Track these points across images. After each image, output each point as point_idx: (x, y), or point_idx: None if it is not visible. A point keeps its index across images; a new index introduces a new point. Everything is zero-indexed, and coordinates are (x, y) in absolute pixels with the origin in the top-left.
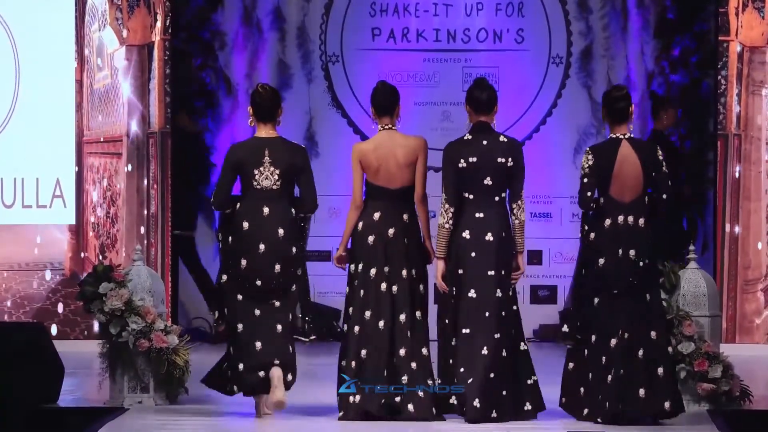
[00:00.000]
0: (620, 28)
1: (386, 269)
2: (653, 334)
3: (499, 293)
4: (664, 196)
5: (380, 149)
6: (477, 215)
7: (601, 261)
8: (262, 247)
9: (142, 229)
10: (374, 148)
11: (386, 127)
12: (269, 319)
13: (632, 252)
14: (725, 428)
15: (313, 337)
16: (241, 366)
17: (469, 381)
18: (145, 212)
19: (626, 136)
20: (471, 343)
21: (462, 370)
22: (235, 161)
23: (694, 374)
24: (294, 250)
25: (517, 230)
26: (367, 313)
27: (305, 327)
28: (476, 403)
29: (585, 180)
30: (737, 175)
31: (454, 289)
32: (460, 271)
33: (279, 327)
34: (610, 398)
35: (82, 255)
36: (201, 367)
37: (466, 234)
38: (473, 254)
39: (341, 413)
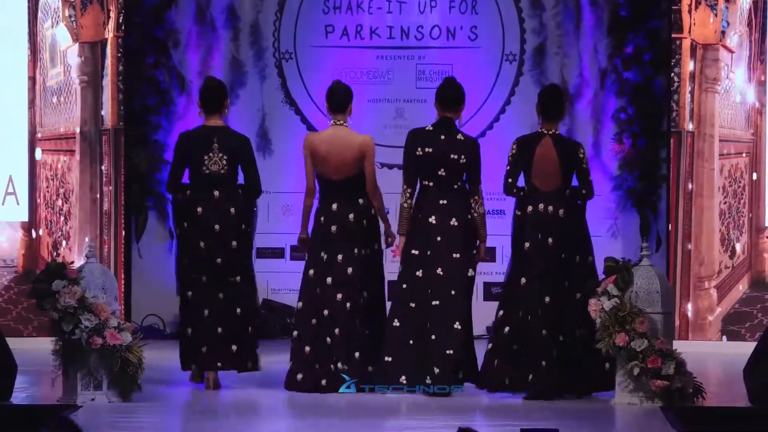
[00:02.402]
0: (573, 25)
1: (355, 251)
2: (569, 316)
3: (463, 273)
4: (584, 191)
5: (329, 143)
6: (441, 201)
7: (526, 245)
8: (217, 227)
9: (96, 227)
10: (324, 141)
11: (338, 123)
12: (230, 302)
13: (550, 240)
14: (678, 425)
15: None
16: (204, 349)
17: (448, 352)
18: (98, 209)
19: (551, 132)
20: (442, 316)
21: (433, 337)
22: (185, 148)
23: (647, 371)
24: (243, 226)
25: (479, 222)
26: (323, 295)
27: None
28: (437, 371)
29: (508, 168)
30: (690, 172)
31: (421, 271)
32: (428, 253)
33: (239, 310)
34: (534, 373)
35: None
36: (154, 365)
37: (432, 219)
38: (438, 238)
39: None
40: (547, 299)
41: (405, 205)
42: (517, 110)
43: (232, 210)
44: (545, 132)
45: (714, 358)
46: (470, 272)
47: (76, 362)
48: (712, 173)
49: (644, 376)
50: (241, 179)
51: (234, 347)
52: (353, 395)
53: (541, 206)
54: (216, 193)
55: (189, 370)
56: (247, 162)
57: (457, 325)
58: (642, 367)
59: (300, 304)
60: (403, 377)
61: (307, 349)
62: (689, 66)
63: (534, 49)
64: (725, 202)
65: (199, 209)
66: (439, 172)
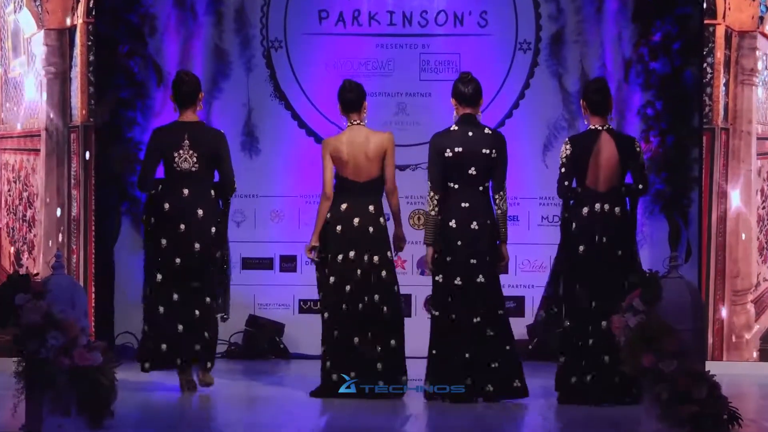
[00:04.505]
0: (594, 10)
1: (351, 254)
2: None
3: (481, 279)
4: (640, 187)
5: (351, 144)
6: (463, 204)
7: (581, 248)
8: (182, 227)
9: (63, 235)
10: (345, 143)
11: (354, 122)
12: (188, 304)
13: (605, 239)
14: None
15: (226, 317)
16: (164, 347)
17: (455, 364)
18: (66, 215)
19: (605, 127)
20: (458, 328)
21: (448, 352)
22: (157, 144)
23: (676, 395)
24: (213, 230)
25: (501, 220)
26: (336, 298)
27: (221, 304)
28: (468, 381)
29: (563, 170)
30: (725, 173)
31: (441, 276)
32: (448, 259)
33: (197, 312)
34: (595, 383)
35: None
36: (128, 387)
37: (452, 223)
38: (459, 242)
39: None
40: (607, 302)
41: (433, 213)
42: (532, 104)
43: (200, 212)
44: (599, 128)
45: (751, 380)
46: (480, 279)
47: (42, 385)
48: (749, 174)
49: (673, 401)
50: (217, 177)
51: (197, 347)
52: (354, 408)
53: (597, 206)
54: (185, 191)
55: (144, 371)
56: (220, 158)
57: (470, 336)
58: (671, 390)
59: (326, 314)
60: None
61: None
62: (723, 55)
63: (551, 36)
64: (764, 207)
65: (167, 206)
66: (470, 171)
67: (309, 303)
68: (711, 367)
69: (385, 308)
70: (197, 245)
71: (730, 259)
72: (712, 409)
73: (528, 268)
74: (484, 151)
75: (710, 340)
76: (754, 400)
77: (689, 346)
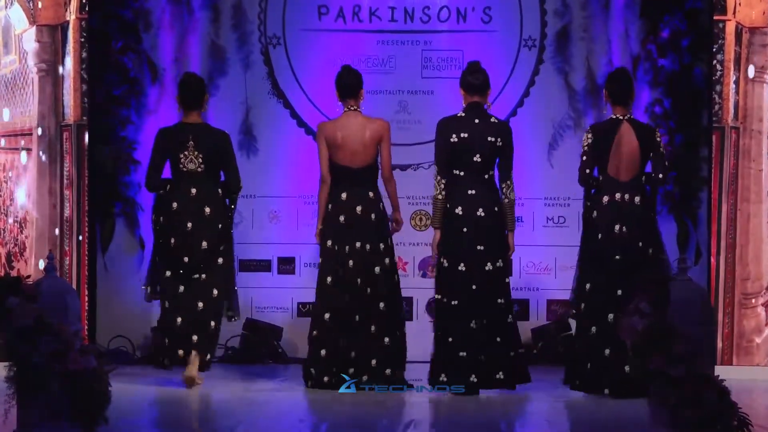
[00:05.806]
0: (601, 6)
1: (357, 245)
2: None
3: (489, 267)
4: (660, 176)
5: (345, 129)
6: (469, 192)
7: (599, 236)
8: (189, 225)
9: (55, 236)
10: (339, 127)
11: (351, 108)
12: (191, 296)
13: (625, 228)
14: None
15: (237, 317)
16: (166, 341)
17: (461, 354)
18: (59, 216)
19: (626, 117)
20: (461, 315)
21: (450, 340)
22: (162, 145)
23: (684, 400)
24: (220, 226)
25: (508, 209)
26: (336, 288)
27: (232, 305)
28: (473, 378)
29: (584, 158)
30: (735, 173)
31: (444, 261)
32: (453, 246)
33: (201, 304)
34: (610, 370)
35: None
36: (123, 393)
37: (458, 210)
38: (465, 230)
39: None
40: (619, 292)
41: (440, 197)
42: (538, 103)
43: (207, 210)
44: (621, 117)
45: (762, 385)
46: (488, 266)
47: (34, 391)
48: (760, 174)
49: (681, 406)
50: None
51: (195, 338)
52: (352, 411)
53: (618, 195)
54: (193, 190)
55: (164, 368)
56: (225, 158)
57: (473, 324)
58: (679, 395)
59: (316, 300)
60: (444, 376)
61: (323, 352)
62: (734, 52)
63: (556, 33)
64: None
65: (174, 204)
66: (475, 158)
67: (308, 306)
68: (720, 371)
69: (383, 303)
70: (205, 243)
71: (741, 261)
72: (721, 415)
73: (533, 270)
74: (489, 138)
75: (720, 344)
76: (764, 406)
77: (698, 350)
